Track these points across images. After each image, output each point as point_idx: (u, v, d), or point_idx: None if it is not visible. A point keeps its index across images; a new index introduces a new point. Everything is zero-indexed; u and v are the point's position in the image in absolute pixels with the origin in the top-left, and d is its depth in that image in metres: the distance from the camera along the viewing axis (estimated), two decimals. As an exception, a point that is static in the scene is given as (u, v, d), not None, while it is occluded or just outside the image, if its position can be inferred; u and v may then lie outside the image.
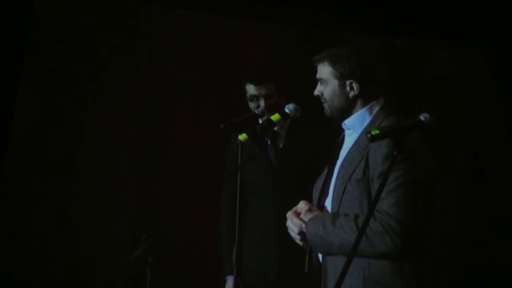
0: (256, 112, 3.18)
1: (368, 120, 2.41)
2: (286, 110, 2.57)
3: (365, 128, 2.38)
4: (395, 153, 2.08)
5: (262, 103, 3.16)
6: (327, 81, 2.44)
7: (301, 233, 2.34)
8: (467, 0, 4.31)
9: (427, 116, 2.15)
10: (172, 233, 2.15)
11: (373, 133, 2.08)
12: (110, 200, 3.84)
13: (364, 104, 2.42)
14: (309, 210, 2.37)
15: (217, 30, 4.26)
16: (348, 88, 2.41)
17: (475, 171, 4.48)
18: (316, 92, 2.48)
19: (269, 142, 3.19)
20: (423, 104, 4.21)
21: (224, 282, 3.21)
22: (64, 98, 3.87)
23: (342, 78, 2.41)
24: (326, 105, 2.46)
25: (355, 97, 2.42)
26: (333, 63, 2.42)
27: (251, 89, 3.19)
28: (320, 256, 2.39)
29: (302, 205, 2.40)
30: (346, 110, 2.44)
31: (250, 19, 4.29)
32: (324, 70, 2.44)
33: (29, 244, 3.63)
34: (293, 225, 2.36)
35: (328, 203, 2.39)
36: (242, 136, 2.47)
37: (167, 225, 2.21)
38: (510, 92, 4.45)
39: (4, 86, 3.66)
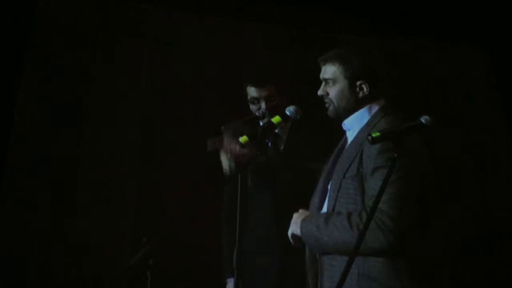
0: (257, 114, 3.18)
1: (366, 119, 2.40)
2: (287, 113, 2.56)
3: (362, 127, 2.38)
4: (395, 155, 2.09)
5: (263, 105, 3.15)
6: (335, 80, 2.40)
7: (292, 237, 2.37)
8: (469, 1, 4.30)
9: (428, 118, 2.16)
10: (173, 236, 2.16)
11: (374, 135, 2.09)
12: (110, 202, 3.84)
13: (366, 104, 2.42)
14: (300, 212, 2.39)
15: (217, 31, 4.26)
16: (357, 89, 2.40)
17: (475, 171, 4.47)
18: (320, 92, 2.45)
19: (270, 144, 3.20)
20: (423, 104, 4.21)
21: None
22: (64, 98, 3.87)
23: (352, 78, 2.39)
24: (331, 106, 2.43)
25: (363, 98, 2.41)
26: (343, 63, 2.40)
27: (252, 91, 3.19)
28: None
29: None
30: (353, 111, 2.42)
31: (251, 20, 4.29)
32: (333, 70, 2.41)
33: (29, 245, 3.63)
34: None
35: (326, 202, 2.40)
36: (243, 139, 2.46)
37: (167, 227, 2.20)
38: (510, 92, 4.45)
39: (5, 85, 3.66)
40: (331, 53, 2.45)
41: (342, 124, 2.47)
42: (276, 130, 2.93)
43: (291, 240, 2.40)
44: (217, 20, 4.25)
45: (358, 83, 2.39)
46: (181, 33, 4.19)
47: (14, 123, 3.70)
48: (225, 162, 2.51)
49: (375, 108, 2.41)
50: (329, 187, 2.41)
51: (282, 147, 3.23)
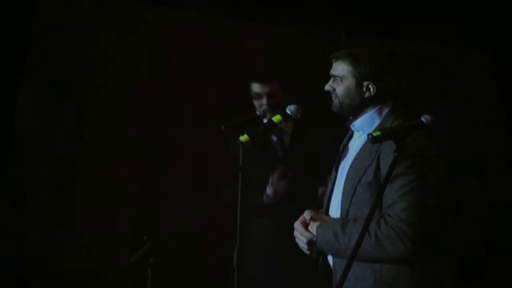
0: (258, 112, 3.19)
1: (377, 122, 2.40)
2: (287, 111, 2.56)
3: (374, 130, 2.36)
4: (395, 154, 2.10)
5: (264, 101, 3.18)
6: (343, 78, 2.42)
7: (309, 243, 2.35)
8: (470, 3, 4.30)
9: (429, 117, 2.17)
10: (173, 234, 2.15)
11: (374, 134, 2.10)
12: (111, 201, 3.84)
13: (374, 105, 2.42)
14: (312, 219, 2.38)
15: (217, 30, 4.26)
16: (364, 89, 2.41)
17: (475, 171, 4.48)
18: (327, 87, 2.47)
19: (275, 139, 3.21)
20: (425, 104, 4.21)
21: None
22: (65, 99, 3.87)
23: (360, 78, 2.40)
24: (336, 100, 2.44)
25: (369, 98, 2.41)
26: (353, 62, 2.41)
27: (255, 87, 3.24)
28: (330, 260, 2.39)
29: (307, 215, 2.40)
30: (357, 109, 2.43)
31: (252, 20, 4.29)
32: (342, 67, 2.42)
33: (29, 244, 3.62)
34: (302, 236, 2.37)
35: (337, 205, 2.39)
36: (244, 137, 2.46)
37: (168, 226, 2.20)
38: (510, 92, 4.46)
39: (5, 85, 3.66)
40: (344, 51, 2.47)
41: (351, 125, 2.47)
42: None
43: (305, 247, 2.39)
44: (216, 19, 4.25)
45: (365, 83, 2.40)
46: (181, 32, 4.19)
47: (14, 123, 3.70)
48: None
49: (385, 110, 2.42)
50: (340, 189, 2.40)
51: (287, 143, 3.24)
